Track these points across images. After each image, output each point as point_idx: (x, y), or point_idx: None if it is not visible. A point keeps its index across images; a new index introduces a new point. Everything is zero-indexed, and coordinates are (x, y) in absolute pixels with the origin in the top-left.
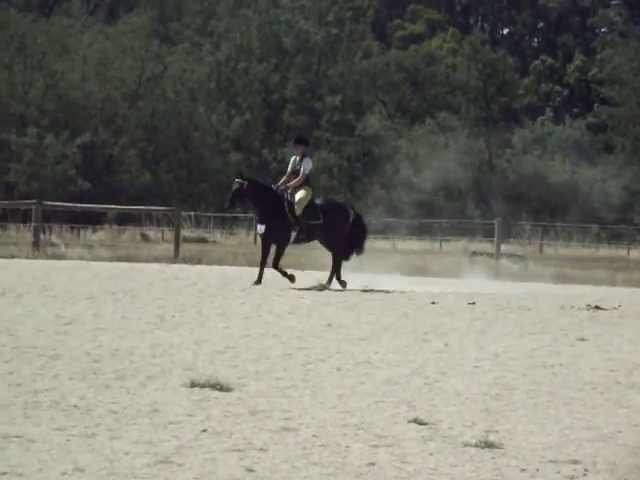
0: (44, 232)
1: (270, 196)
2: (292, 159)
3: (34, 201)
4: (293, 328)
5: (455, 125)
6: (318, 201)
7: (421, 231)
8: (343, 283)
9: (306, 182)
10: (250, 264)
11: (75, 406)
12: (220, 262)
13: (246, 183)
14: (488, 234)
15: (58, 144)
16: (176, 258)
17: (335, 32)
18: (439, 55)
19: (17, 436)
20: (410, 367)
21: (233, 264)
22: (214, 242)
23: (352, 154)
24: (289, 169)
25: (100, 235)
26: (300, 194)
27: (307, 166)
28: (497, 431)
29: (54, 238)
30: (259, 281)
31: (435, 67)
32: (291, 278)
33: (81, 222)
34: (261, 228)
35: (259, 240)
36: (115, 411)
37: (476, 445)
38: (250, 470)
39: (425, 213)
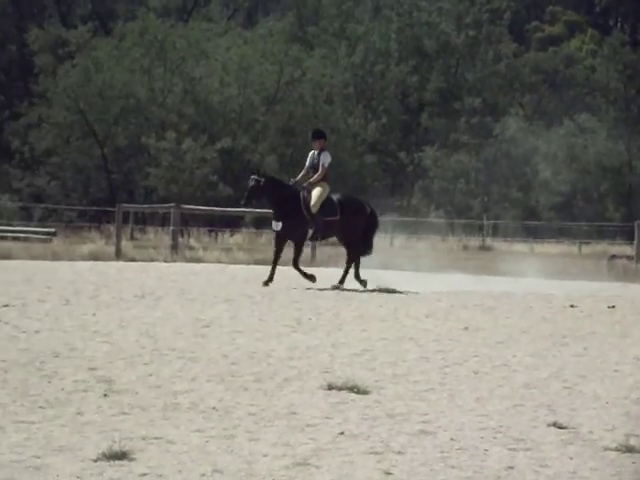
0: (182, 235)
1: (286, 193)
2: (310, 154)
3: (172, 205)
4: (430, 331)
5: (594, 127)
6: (335, 197)
7: (560, 234)
8: (363, 282)
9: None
10: (383, 267)
11: (214, 408)
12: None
13: (263, 180)
14: (628, 237)
15: (197, 148)
16: (313, 260)
17: (473, 34)
18: (578, 57)
19: (157, 438)
20: (549, 370)
21: (367, 267)
22: None
23: (490, 156)
24: (307, 164)
25: (237, 239)
26: (317, 190)
27: (326, 160)
28: (638, 435)
29: (192, 241)
30: (270, 279)
31: (574, 69)
32: (311, 278)
33: (219, 226)
34: (277, 225)
35: (394, 242)
36: (253, 413)
37: (616, 449)
38: (387, 473)
39: (564, 216)
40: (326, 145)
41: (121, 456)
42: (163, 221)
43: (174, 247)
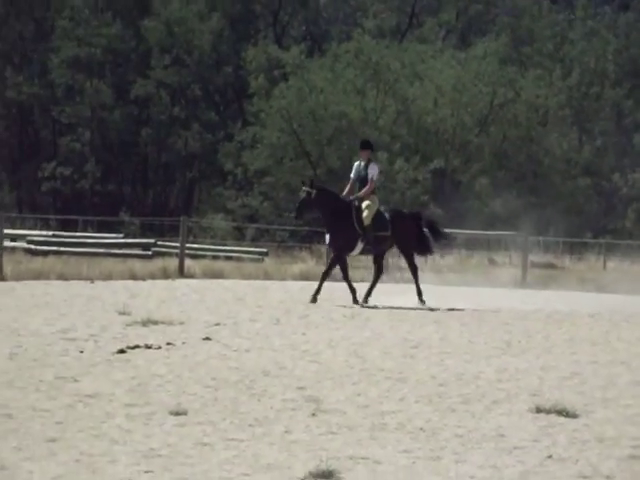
0: (392, 256)
1: (338, 205)
2: (356, 165)
3: None
4: None
5: None
6: (385, 211)
7: None
8: (423, 301)
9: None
10: (597, 290)
11: (421, 429)
12: (567, 287)
13: (314, 192)
14: None
15: (409, 169)
16: (523, 283)
17: None
18: None
19: (364, 457)
20: None
21: (581, 289)
22: (562, 267)
23: None
24: (352, 175)
25: (449, 260)
26: (367, 203)
27: (374, 172)
28: None
29: (402, 262)
30: (355, 299)
31: None
32: (317, 294)
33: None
34: (328, 238)
35: (607, 264)
36: (460, 435)
37: None
38: None
39: None
40: (373, 156)
41: (328, 475)
42: None
43: (385, 267)
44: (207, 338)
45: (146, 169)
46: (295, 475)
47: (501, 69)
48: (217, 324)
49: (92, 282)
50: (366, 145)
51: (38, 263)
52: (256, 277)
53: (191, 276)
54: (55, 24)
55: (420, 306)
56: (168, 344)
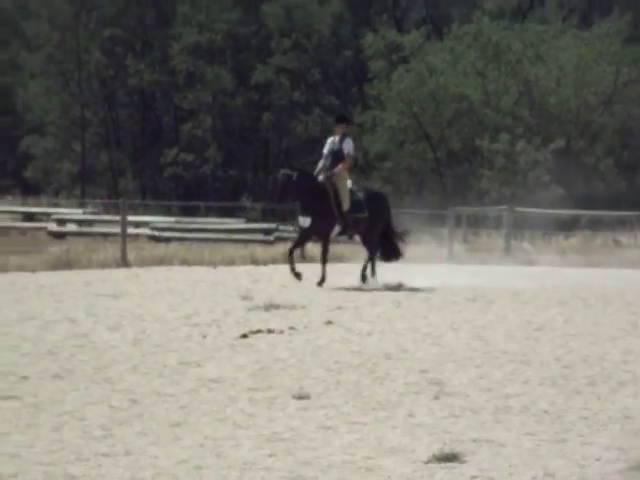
0: (515, 238)
1: (317, 187)
2: (330, 140)
3: (505, 207)
4: None
5: None
6: (359, 193)
7: None
8: (364, 278)
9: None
10: None
11: (545, 411)
12: None
13: (295, 174)
14: None
15: (530, 150)
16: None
17: None
18: None
19: (487, 440)
20: None
21: None
22: None
23: None
24: (325, 151)
25: (572, 241)
26: (343, 185)
27: (349, 147)
28: None
29: (525, 244)
30: (297, 274)
31: None
32: (298, 275)
33: (553, 228)
34: (305, 221)
35: None
36: (586, 417)
37: None
38: None
39: None
40: (348, 131)
41: (452, 458)
42: (496, 224)
43: (507, 250)
44: (329, 322)
45: (267, 154)
46: (419, 458)
47: (624, 48)
48: (339, 308)
49: (215, 267)
50: (341, 119)
51: (161, 249)
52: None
53: (312, 260)
54: (176, 10)
55: (375, 285)
56: (290, 328)
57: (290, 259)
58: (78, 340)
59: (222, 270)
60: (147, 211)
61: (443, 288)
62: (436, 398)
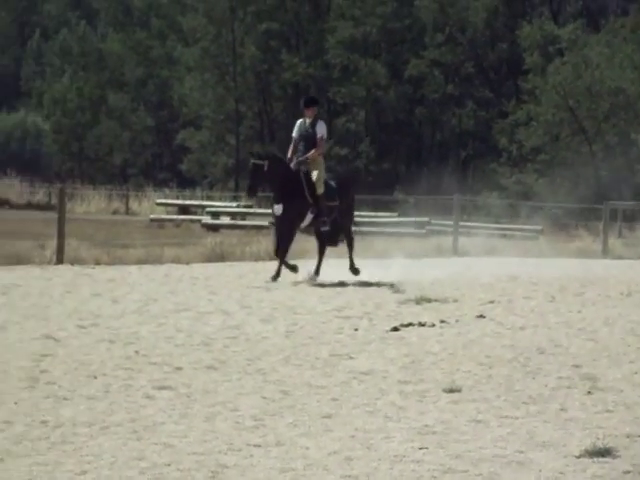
0: None
1: (289, 174)
2: (299, 123)
3: None
4: None
5: None
6: (330, 180)
7: None
8: (357, 271)
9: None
10: None
11: None
12: None
13: (266, 163)
14: None
15: None
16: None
17: None
18: None
19: None
20: None
21: None
22: None
23: None
24: (295, 135)
25: None
26: (317, 171)
27: (323, 131)
28: None
29: None
30: (293, 266)
31: None
32: (294, 268)
33: None
34: (277, 209)
35: None
36: None
37: None
38: None
39: None
40: (319, 114)
41: (605, 453)
42: None
43: None
44: (481, 316)
45: (420, 148)
46: (571, 453)
47: None
48: (491, 302)
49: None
50: (311, 102)
51: (313, 242)
52: (530, 255)
53: (465, 254)
54: (331, 4)
55: (356, 278)
56: (442, 322)
57: (282, 259)
58: (231, 332)
59: (374, 263)
60: None
61: (597, 282)
62: (589, 393)
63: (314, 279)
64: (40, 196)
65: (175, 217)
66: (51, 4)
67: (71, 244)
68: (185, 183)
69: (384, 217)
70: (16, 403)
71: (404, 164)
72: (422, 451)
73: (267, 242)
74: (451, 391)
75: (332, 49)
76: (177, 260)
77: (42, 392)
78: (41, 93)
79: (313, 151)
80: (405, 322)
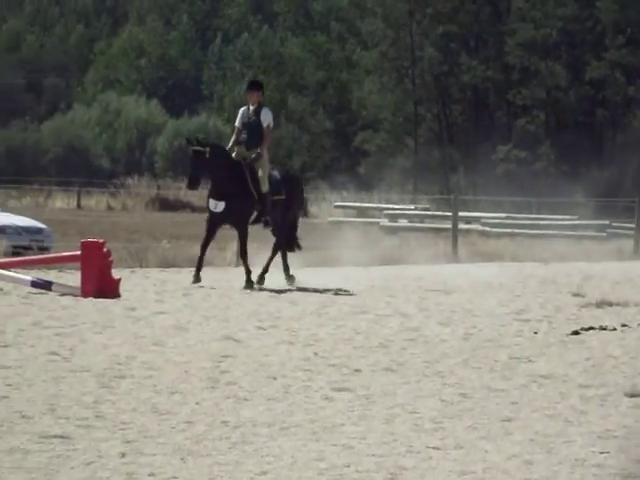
0: None
1: (232, 165)
2: (242, 110)
3: None
4: None
5: None
6: (273, 170)
7: None
8: (291, 278)
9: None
10: None
11: None
12: None
13: (208, 150)
14: None
15: None
16: None
17: None
18: None
19: None
20: None
21: None
22: None
23: None
24: (237, 123)
25: None
26: (264, 163)
27: (269, 119)
28: None
29: None
30: (198, 277)
31: None
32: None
33: None
34: (218, 205)
35: None
36: None
37: None
38: None
39: None
40: (263, 100)
41: None
42: None
43: None
44: None
45: (601, 150)
46: None
47: None
48: None
49: (546, 264)
50: (255, 86)
51: (491, 245)
52: None
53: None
54: (511, 6)
55: (290, 285)
56: (623, 326)
57: (200, 258)
58: (409, 334)
59: (553, 266)
60: (478, 207)
61: None
62: None
63: (291, 282)
64: None
65: (353, 220)
66: (232, 8)
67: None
68: (363, 186)
69: (563, 220)
70: (197, 403)
71: (584, 166)
72: (603, 455)
73: (445, 245)
74: (633, 395)
75: (512, 51)
76: (355, 263)
77: (223, 392)
78: (222, 97)
79: (264, 143)
80: (585, 326)
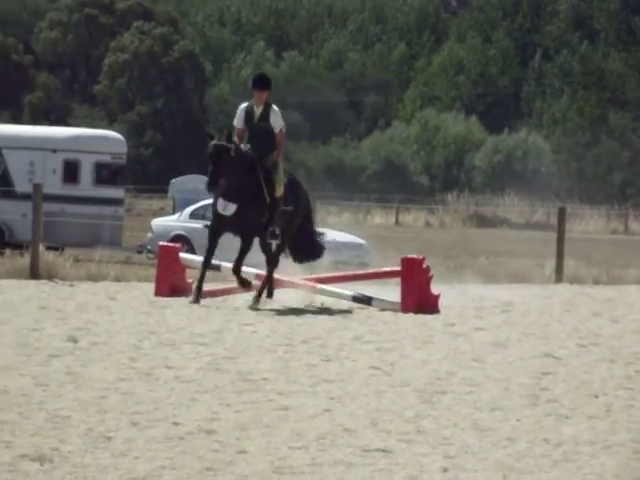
0: None
1: (249, 165)
2: (243, 107)
3: None
4: None
5: None
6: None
7: None
8: (246, 282)
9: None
10: None
11: None
12: None
13: (233, 147)
14: None
15: None
16: None
17: None
18: None
19: None
20: None
21: None
22: None
23: None
24: (236, 123)
25: None
26: (279, 175)
27: (281, 122)
28: None
29: None
30: (198, 298)
31: None
32: (245, 282)
33: None
34: (227, 207)
35: None
36: None
37: None
38: None
39: None
40: (271, 99)
41: None
42: None
43: None
44: None
45: None
46: None
47: None
48: None
49: None
50: (264, 84)
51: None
52: None
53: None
54: None
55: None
56: None
57: (202, 277)
58: None
59: None
60: None
61: None
62: None
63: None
64: (539, 215)
65: None
66: (553, 25)
67: (569, 263)
68: None
69: None
70: (518, 420)
71: None
72: None
73: None
74: None
75: None
76: None
77: (543, 410)
78: (541, 113)
79: (279, 149)
80: None
